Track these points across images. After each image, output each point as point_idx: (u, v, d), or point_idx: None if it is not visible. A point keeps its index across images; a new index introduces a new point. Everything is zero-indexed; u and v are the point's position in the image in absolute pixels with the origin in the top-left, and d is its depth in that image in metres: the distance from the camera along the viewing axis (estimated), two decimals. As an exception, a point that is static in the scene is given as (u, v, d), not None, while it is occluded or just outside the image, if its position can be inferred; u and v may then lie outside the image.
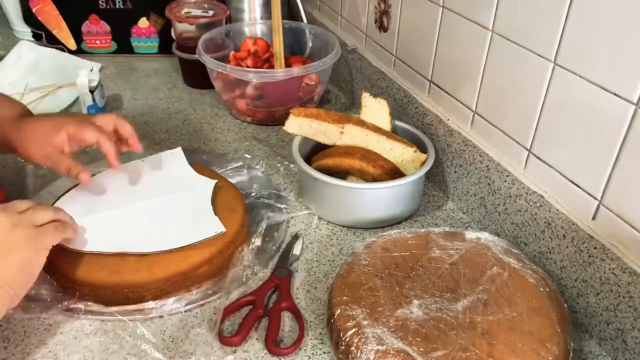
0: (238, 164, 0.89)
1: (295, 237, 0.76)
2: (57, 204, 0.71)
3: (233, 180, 0.83)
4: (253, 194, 0.83)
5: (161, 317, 0.64)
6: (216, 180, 0.76)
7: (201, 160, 0.88)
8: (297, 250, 0.74)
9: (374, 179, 0.80)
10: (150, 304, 0.63)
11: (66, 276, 0.64)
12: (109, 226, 0.69)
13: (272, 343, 0.60)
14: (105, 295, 0.64)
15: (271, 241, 0.75)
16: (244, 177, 0.87)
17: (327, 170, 0.79)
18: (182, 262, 0.65)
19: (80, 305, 0.63)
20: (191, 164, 0.81)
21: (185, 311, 0.64)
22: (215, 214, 0.71)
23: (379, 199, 0.77)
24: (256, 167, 0.89)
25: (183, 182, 0.77)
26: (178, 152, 0.83)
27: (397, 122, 0.88)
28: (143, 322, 0.63)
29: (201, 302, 0.65)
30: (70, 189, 0.75)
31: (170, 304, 0.64)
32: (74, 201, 0.72)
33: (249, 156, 0.93)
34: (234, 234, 0.70)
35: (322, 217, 0.81)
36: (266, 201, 0.82)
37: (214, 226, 0.69)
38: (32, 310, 0.62)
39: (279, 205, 0.81)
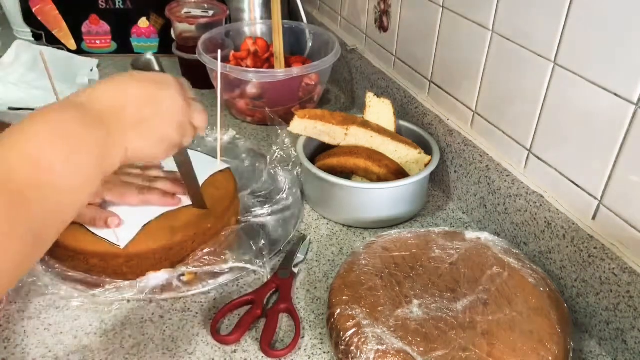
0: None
1: (302, 239, 0.75)
2: None
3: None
4: (254, 194, 0.83)
5: (162, 317, 0.64)
6: (228, 166, 0.79)
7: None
8: (302, 252, 0.73)
9: (379, 179, 0.80)
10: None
11: (74, 248, 0.65)
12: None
13: (265, 344, 0.60)
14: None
15: (275, 241, 0.74)
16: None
17: (332, 170, 0.79)
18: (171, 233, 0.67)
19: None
20: None
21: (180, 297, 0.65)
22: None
23: (384, 198, 0.77)
24: (256, 167, 0.89)
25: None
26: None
27: (402, 122, 0.88)
28: (144, 322, 0.63)
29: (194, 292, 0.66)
30: None
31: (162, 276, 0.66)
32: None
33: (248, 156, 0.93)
34: (224, 210, 0.72)
35: (326, 217, 0.81)
36: (267, 201, 0.81)
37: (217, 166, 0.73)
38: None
39: (281, 206, 0.80)
